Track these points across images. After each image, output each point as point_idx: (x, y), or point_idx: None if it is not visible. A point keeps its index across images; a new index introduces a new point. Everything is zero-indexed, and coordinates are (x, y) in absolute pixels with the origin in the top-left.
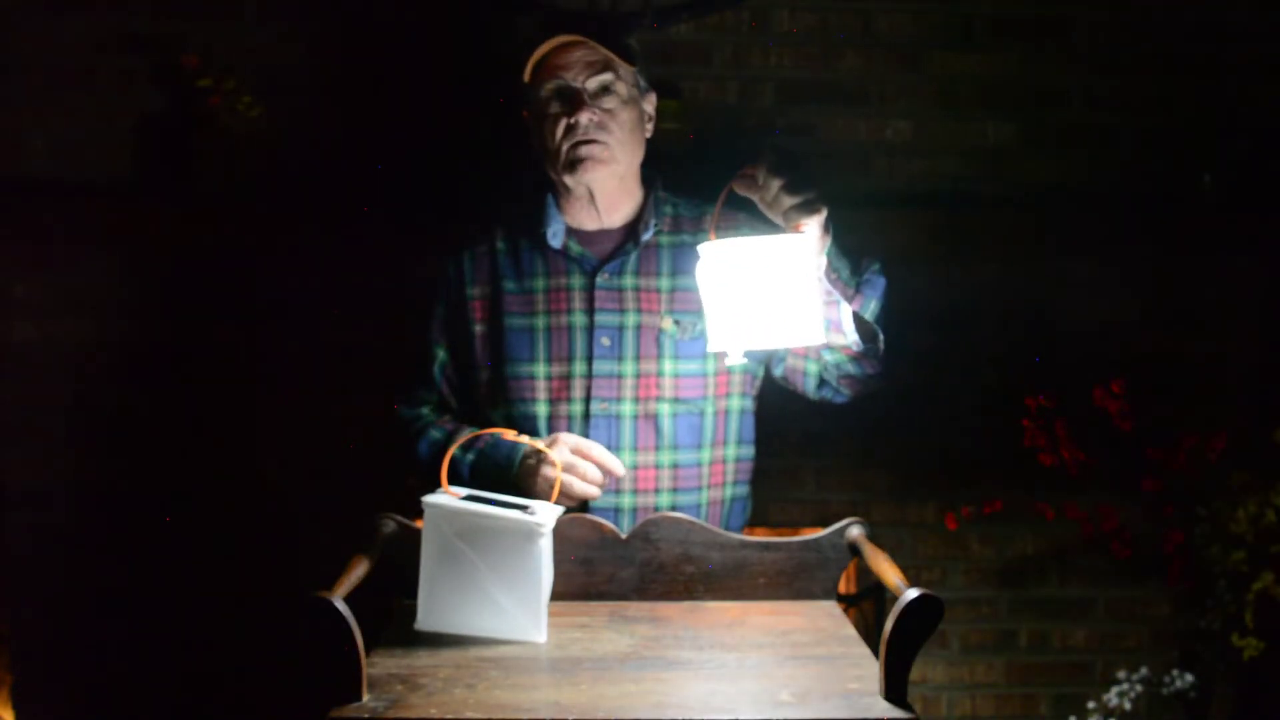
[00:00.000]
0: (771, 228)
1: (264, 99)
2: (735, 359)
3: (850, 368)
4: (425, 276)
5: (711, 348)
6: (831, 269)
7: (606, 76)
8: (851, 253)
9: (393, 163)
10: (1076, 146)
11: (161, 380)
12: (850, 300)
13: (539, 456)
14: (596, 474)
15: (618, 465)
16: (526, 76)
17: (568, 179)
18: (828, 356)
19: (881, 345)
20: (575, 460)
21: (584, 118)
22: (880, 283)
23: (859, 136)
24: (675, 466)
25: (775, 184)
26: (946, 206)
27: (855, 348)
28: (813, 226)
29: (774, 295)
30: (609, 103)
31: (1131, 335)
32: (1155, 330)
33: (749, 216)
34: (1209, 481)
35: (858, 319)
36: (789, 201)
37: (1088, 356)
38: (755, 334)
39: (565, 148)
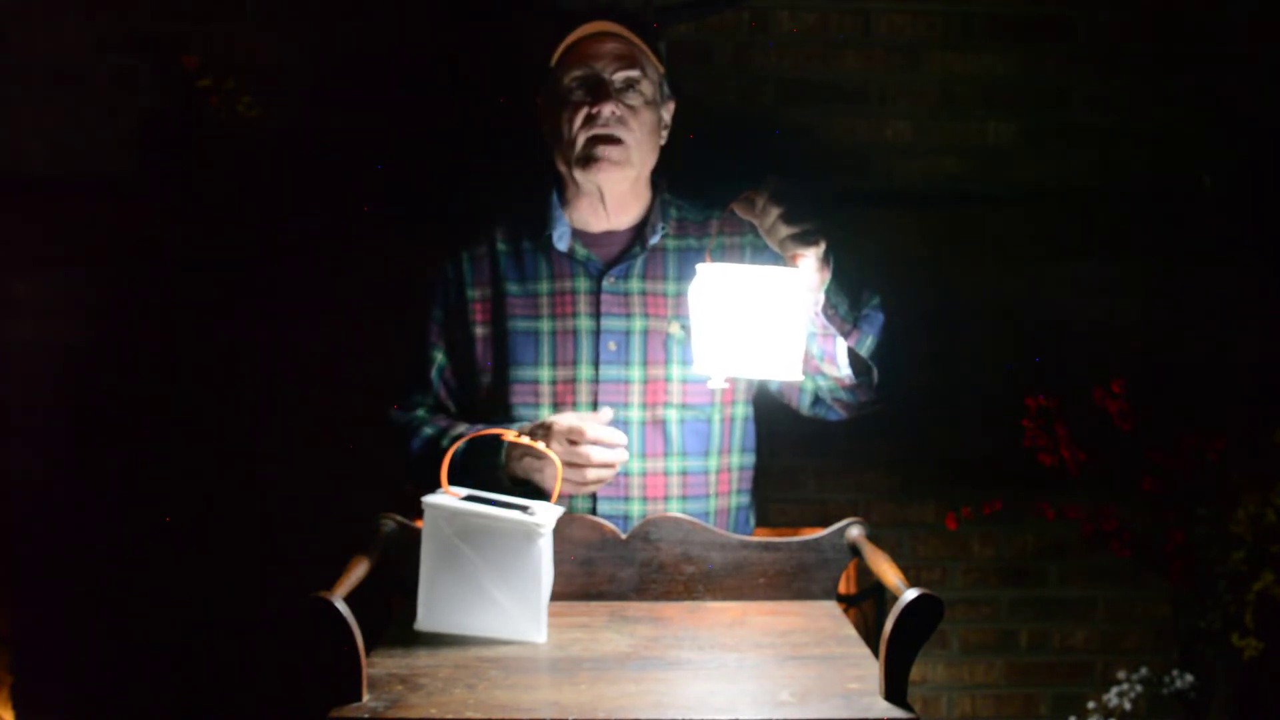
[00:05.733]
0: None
1: (264, 99)
2: (717, 383)
3: (843, 394)
4: (424, 277)
5: (696, 369)
6: (830, 304)
7: (634, 73)
8: (852, 284)
9: (393, 163)
10: (1076, 146)
11: (161, 380)
12: (847, 336)
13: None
14: (603, 454)
15: (619, 435)
16: (554, 60)
17: (579, 174)
18: (821, 381)
19: (876, 378)
20: (574, 451)
21: (607, 109)
22: (878, 319)
23: (859, 136)
24: (684, 473)
25: (774, 212)
26: (946, 206)
27: (848, 380)
28: (810, 259)
29: (760, 326)
30: (633, 99)
31: (1131, 335)
32: (1155, 331)
33: (754, 225)
34: (1209, 481)
35: (852, 354)
36: (785, 231)
37: (1088, 356)
38: (737, 361)
39: (582, 139)
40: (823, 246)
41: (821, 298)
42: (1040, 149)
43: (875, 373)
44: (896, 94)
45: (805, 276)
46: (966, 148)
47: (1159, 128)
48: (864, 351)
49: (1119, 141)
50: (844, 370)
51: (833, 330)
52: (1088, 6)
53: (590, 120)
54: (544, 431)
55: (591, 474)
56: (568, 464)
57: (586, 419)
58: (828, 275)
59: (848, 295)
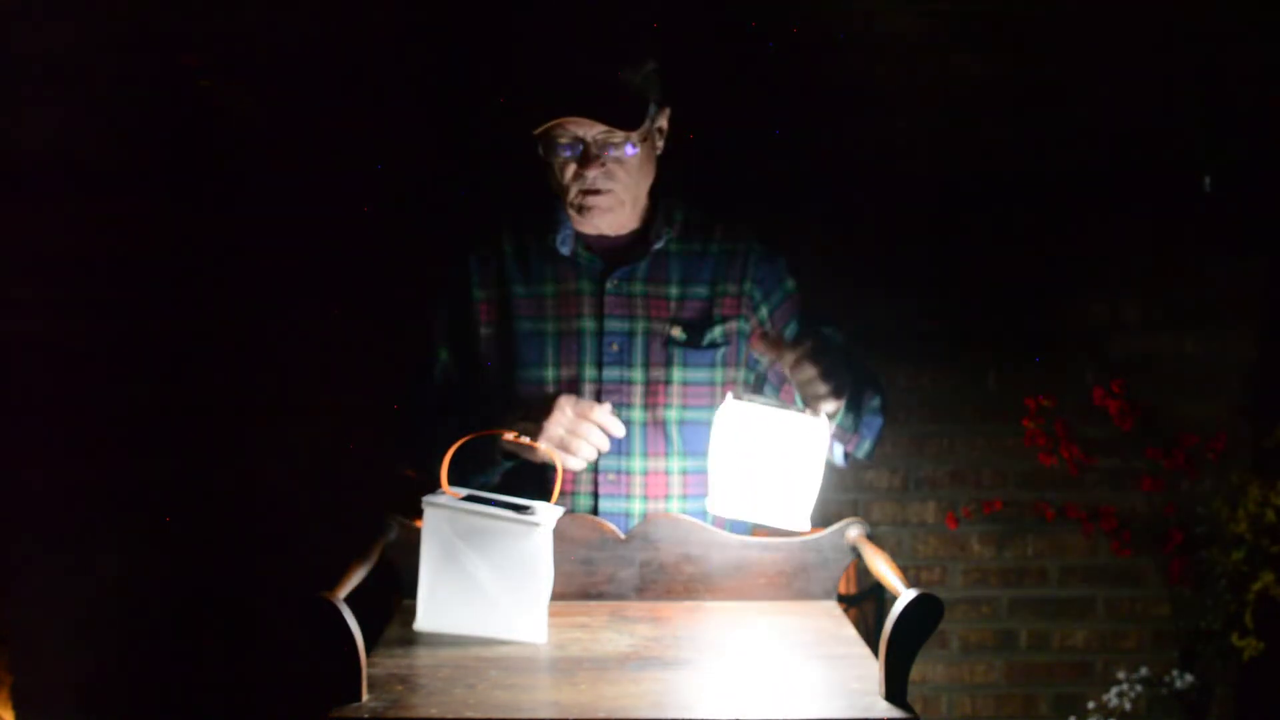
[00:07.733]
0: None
1: (264, 98)
2: (722, 515)
3: (835, 461)
4: (427, 277)
5: (708, 506)
6: (838, 425)
7: (617, 136)
8: (858, 398)
9: (395, 162)
10: (1076, 146)
11: (161, 380)
12: (847, 443)
13: (530, 414)
14: (599, 437)
15: (618, 426)
16: (536, 129)
17: (573, 216)
18: None
19: (867, 454)
20: (577, 424)
21: (591, 173)
22: (877, 423)
23: (859, 136)
24: (685, 473)
25: (810, 370)
26: (947, 206)
27: (841, 464)
28: (832, 405)
29: (778, 471)
30: (617, 153)
31: (1131, 335)
32: (1155, 330)
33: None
34: (1209, 481)
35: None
36: (822, 389)
37: (1088, 356)
38: (750, 504)
39: (574, 191)
40: (847, 397)
41: (833, 425)
42: (1040, 149)
43: (867, 452)
44: (896, 94)
45: (825, 424)
46: (966, 148)
47: (1159, 128)
48: (861, 454)
49: (1119, 141)
50: (838, 461)
51: (833, 437)
52: (1088, 6)
53: (578, 178)
54: (551, 401)
55: (585, 449)
56: (568, 434)
57: (594, 404)
58: (842, 405)
59: (854, 413)
